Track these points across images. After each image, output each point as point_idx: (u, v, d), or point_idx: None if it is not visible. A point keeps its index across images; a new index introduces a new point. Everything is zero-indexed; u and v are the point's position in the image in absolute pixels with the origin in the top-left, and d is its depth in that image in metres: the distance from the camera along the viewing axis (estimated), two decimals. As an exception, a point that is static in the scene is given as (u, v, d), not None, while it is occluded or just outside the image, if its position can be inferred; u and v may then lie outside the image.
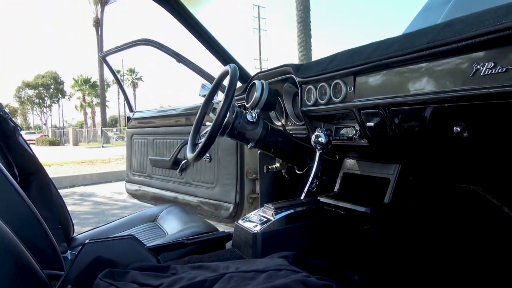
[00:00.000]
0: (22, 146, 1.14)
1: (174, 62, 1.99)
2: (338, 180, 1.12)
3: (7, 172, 0.83)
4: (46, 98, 47.28)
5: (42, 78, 45.91)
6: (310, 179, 0.99)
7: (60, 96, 46.69)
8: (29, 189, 1.08)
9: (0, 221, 0.62)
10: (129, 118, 2.57)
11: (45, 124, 49.32)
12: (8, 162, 1.08)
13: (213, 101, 1.34)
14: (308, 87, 1.12)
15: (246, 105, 1.33)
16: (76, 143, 26.64)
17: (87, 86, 35.27)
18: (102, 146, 22.12)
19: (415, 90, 0.75)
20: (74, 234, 1.29)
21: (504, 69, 0.58)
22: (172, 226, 1.18)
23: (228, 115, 1.12)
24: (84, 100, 35.67)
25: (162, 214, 1.33)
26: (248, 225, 0.91)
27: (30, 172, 1.12)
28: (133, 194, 2.54)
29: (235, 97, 1.45)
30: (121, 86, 2.63)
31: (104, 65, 2.47)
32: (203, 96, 2.06)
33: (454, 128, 0.70)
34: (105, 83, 32.80)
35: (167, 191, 2.23)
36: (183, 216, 1.25)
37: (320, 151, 1.01)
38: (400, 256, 0.97)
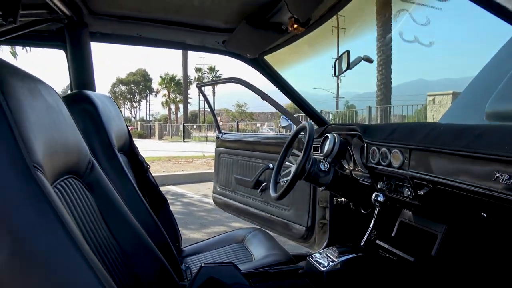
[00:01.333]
0: (152, 183, 1.54)
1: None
2: (396, 227, 1.34)
3: (143, 199, 1.22)
4: (136, 94, 52.01)
5: (133, 75, 50.54)
6: (369, 231, 1.24)
7: (148, 92, 51.01)
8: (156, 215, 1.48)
9: (146, 236, 0.98)
10: (217, 138, 2.98)
11: (134, 118, 54.21)
12: (143, 195, 1.49)
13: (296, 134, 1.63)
14: (372, 148, 1.36)
15: (320, 154, 1.61)
16: (161, 137, 29.02)
17: (172, 84, 38.06)
18: (184, 141, 23.90)
19: (453, 177, 0.96)
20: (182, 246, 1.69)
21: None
22: (258, 250, 1.51)
23: (304, 165, 1.40)
24: (169, 96, 38.56)
25: (248, 237, 1.67)
26: (317, 262, 1.19)
27: (156, 204, 1.53)
28: (219, 204, 2.95)
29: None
30: (212, 111, 3.06)
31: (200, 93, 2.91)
32: (283, 126, 2.41)
33: (482, 214, 0.91)
34: (188, 81, 35.08)
35: (248, 206, 2.59)
36: (266, 242, 1.57)
37: (379, 207, 1.25)
38: None
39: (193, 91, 47.37)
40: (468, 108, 1.74)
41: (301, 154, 1.37)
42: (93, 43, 1.40)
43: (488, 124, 1.18)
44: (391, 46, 12.62)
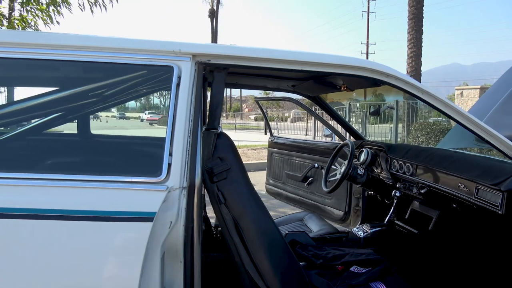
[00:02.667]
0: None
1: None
2: (408, 212, 2.07)
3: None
4: (165, 81, 53.46)
5: (163, 63, 51.97)
6: (390, 214, 1.98)
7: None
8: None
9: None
10: (270, 140, 3.75)
11: (163, 105, 55.71)
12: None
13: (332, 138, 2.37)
14: (394, 160, 2.08)
15: (357, 161, 2.34)
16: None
17: (201, 73, 39.07)
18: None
19: (439, 184, 1.69)
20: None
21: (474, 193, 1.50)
22: (314, 226, 2.28)
23: (346, 173, 2.14)
24: (198, 85, 39.55)
25: (306, 217, 2.45)
26: (356, 232, 1.95)
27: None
28: (271, 193, 3.73)
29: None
30: (266, 119, 3.82)
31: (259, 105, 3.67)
32: (326, 135, 3.17)
33: (453, 205, 1.63)
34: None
35: (296, 195, 3.35)
36: (318, 221, 2.34)
37: (397, 200, 1.98)
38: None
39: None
40: (463, 133, 2.42)
41: (345, 163, 2.12)
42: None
43: (460, 152, 1.88)
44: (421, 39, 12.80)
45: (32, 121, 1.45)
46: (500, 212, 1.33)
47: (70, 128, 1.66)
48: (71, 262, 0.92)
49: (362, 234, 1.93)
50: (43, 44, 1.11)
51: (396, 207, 2.02)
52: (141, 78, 1.30)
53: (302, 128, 17.61)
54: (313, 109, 3.03)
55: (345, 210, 2.84)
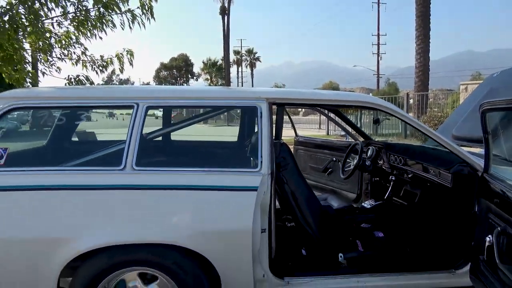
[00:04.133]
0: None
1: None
2: (402, 191, 2.96)
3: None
4: (178, 78, 54.74)
5: (175, 60, 53.06)
6: (388, 192, 2.88)
7: (190, 76, 53.54)
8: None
9: None
10: (295, 139, 4.66)
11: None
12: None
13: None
14: (391, 155, 2.98)
15: (365, 156, 3.25)
16: (205, 121, 31.11)
17: (214, 69, 40.06)
18: (228, 125, 25.91)
19: (418, 171, 2.58)
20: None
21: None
22: (335, 203, 3.19)
23: (358, 164, 3.05)
24: (211, 81, 40.67)
25: (328, 198, 3.35)
26: (365, 205, 2.87)
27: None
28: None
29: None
30: (292, 122, 4.72)
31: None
32: (341, 135, 4.19)
33: (428, 184, 2.52)
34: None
35: (319, 183, 4.26)
36: (338, 200, 3.25)
37: (393, 182, 2.88)
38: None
39: (233, 74, 49.29)
40: (446, 131, 3.30)
41: (357, 157, 3.03)
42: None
43: (431, 148, 2.76)
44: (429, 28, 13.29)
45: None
46: (450, 186, 2.22)
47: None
48: (221, 213, 1.85)
49: (368, 206, 2.84)
50: (190, 97, 2.07)
51: (392, 188, 2.92)
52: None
53: (314, 122, 18.41)
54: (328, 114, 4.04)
55: (358, 192, 3.76)
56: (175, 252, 1.81)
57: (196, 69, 50.07)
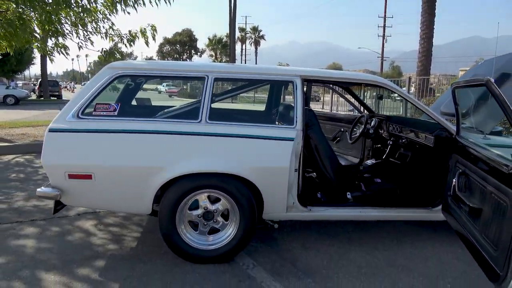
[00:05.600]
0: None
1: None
2: (397, 154, 3.77)
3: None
4: (181, 54, 54.86)
5: (179, 35, 53.07)
6: (385, 154, 3.69)
7: (193, 52, 53.68)
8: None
9: None
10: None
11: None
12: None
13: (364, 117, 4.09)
14: (390, 124, 3.78)
15: (369, 126, 4.04)
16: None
17: (220, 46, 40.32)
18: (232, 102, 26.55)
19: (410, 136, 3.38)
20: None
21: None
22: (342, 162, 3.99)
23: (363, 132, 3.85)
24: (216, 57, 40.98)
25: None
26: (367, 163, 3.68)
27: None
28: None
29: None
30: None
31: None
32: (349, 110, 5.10)
33: (416, 146, 3.32)
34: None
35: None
36: (344, 160, 4.06)
37: (390, 146, 3.68)
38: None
39: (236, 52, 49.43)
40: (436, 109, 4.08)
41: (362, 126, 3.83)
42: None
43: (420, 120, 3.55)
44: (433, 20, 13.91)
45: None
46: (432, 146, 3.02)
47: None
48: (268, 155, 2.62)
49: (370, 163, 3.65)
50: (244, 72, 2.84)
51: (389, 150, 3.72)
52: (281, 85, 3.05)
53: (317, 103, 19.11)
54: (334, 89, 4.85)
55: (360, 157, 4.57)
56: (236, 180, 2.61)
57: (201, 45, 50.47)
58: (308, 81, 2.93)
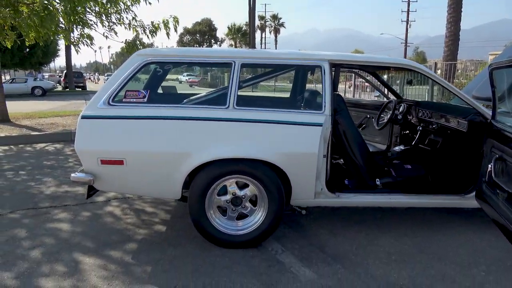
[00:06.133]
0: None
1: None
2: (427, 140, 3.67)
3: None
4: (201, 43, 54.96)
5: (199, 25, 53.12)
6: (415, 140, 3.60)
7: (213, 41, 53.69)
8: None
9: None
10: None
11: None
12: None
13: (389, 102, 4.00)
14: (419, 110, 3.68)
15: (398, 112, 3.94)
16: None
17: (239, 35, 40.14)
18: (252, 91, 26.54)
19: (442, 122, 3.29)
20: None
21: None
22: (371, 149, 3.93)
23: (391, 118, 3.77)
24: (235, 46, 40.86)
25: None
26: (395, 149, 3.60)
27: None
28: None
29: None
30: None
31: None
32: (376, 96, 4.99)
33: (448, 131, 3.23)
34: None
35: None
36: (372, 147, 3.99)
37: (419, 132, 3.59)
38: None
39: (256, 40, 49.09)
40: (468, 93, 3.95)
41: (390, 112, 3.74)
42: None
43: (451, 104, 3.43)
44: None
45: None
46: (465, 131, 2.92)
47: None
48: (297, 140, 2.60)
49: (398, 150, 3.58)
50: (272, 57, 2.81)
51: (419, 136, 3.63)
52: (307, 70, 3.01)
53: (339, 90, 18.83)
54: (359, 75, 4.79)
55: (387, 144, 4.48)
56: (264, 166, 2.61)
57: (220, 34, 50.32)
58: (336, 66, 2.86)
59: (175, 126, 2.58)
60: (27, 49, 21.16)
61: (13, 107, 10.37)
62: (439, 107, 3.50)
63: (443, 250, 2.76)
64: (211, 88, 29.51)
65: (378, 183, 3.03)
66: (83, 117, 2.57)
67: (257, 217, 2.73)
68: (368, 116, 4.61)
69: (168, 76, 3.51)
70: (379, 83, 4.64)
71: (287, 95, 4.01)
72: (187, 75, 39.61)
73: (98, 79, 44.58)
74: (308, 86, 3.72)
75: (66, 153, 5.87)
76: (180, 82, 34.75)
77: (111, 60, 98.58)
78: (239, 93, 2.72)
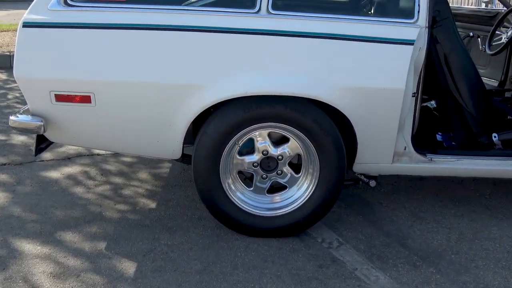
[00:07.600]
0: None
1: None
2: None
3: None
4: None
5: None
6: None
7: None
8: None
9: None
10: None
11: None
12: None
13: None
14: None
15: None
16: None
17: None
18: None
19: None
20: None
21: None
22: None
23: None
24: None
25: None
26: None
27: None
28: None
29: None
30: None
31: None
32: (485, 1, 4.55)
33: None
34: None
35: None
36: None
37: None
38: None
39: None
40: None
41: (511, 30, 3.38)
42: None
43: None
44: None
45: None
46: None
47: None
48: (370, 68, 2.34)
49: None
50: None
51: None
52: None
53: None
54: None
55: (501, 79, 4.15)
56: (316, 108, 2.38)
57: None
58: None
59: (173, 42, 2.37)
60: None
61: None
62: None
63: None
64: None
65: (495, 139, 2.78)
66: (26, 25, 2.36)
67: (302, 190, 2.61)
68: (472, 34, 4.28)
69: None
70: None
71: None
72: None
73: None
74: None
75: (4, 87, 5.80)
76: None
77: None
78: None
